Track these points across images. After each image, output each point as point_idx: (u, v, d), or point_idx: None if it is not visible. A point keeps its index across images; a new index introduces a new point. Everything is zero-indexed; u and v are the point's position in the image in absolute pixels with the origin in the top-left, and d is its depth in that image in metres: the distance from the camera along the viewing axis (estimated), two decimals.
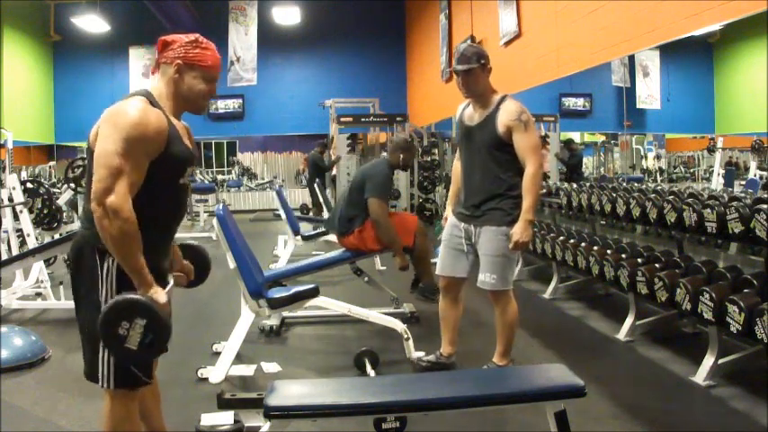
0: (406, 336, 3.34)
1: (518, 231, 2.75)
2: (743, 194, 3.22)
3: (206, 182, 12.71)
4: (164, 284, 1.85)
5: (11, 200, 5.03)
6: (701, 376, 2.95)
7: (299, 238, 5.73)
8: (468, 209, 2.92)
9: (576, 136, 7.82)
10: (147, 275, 1.67)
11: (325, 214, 8.41)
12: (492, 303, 2.97)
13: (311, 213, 9.53)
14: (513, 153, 2.80)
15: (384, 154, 4.14)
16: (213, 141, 14.31)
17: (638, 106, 6.62)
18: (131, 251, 1.63)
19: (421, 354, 3.20)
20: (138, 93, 1.77)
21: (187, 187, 1.90)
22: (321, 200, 8.63)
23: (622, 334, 3.69)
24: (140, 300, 1.62)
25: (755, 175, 5.61)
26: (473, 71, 2.80)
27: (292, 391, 1.79)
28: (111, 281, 1.70)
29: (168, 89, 1.81)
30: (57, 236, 5.50)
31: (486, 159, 2.84)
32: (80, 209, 6.10)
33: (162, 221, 1.82)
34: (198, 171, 13.69)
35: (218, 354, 3.22)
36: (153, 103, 1.74)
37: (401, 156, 4.09)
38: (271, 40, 12.84)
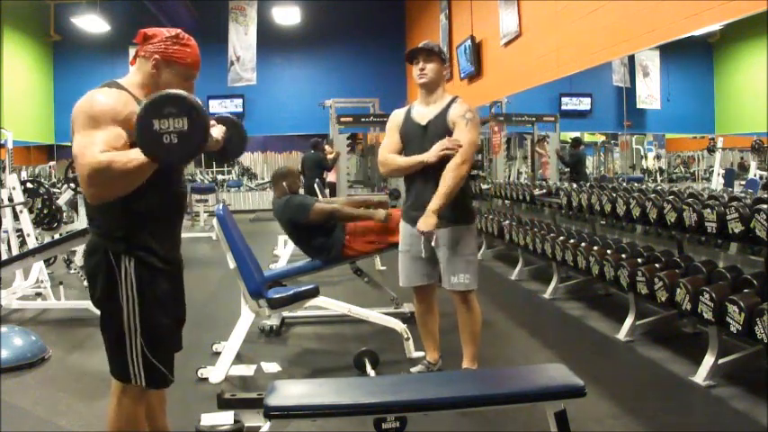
0: (406, 336, 3.34)
1: (423, 221, 2.69)
2: (743, 194, 3.22)
3: (206, 182, 12.71)
4: (178, 272, 1.85)
5: (11, 200, 5.04)
6: (701, 376, 2.95)
7: None
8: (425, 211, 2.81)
9: (575, 135, 7.81)
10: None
11: None
12: (457, 304, 2.89)
13: None
14: None
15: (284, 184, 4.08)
16: None
17: (638, 106, 6.61)
18: (130, 169, 1.54)
19: (421, 354, 3.20)
20: (102, 84, 1.73)
21: (181, 175, 1.88)
22: (321, 200, 8.62)
23: (622, 334, 3.69)
24: (187, 97, 1.53)
25: (755, 175, 5.61)
26: (434, 59, 2.84)
27: (292, 391, 1.79)
28: (130, 281, 1.70)
29: (143, 82, 1.76)
30: (57, 236, 5.50)
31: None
32: (80, 208, 6.11)
33: (161, 211, 1.79)
34: (198, 171, 13.70)
35: (218, 354, 3.22)
36: (117, 87, 1.70)
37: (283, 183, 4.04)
38: (271, 40, 12.84)
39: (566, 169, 7.37)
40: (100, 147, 1.55)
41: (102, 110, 1.61)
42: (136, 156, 1.54)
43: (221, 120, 2.01)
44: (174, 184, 1.83)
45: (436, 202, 2.70)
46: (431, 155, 2.76)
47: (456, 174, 2.71)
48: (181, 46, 1.77)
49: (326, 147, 9.91)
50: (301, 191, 9.90)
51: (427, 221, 2.69)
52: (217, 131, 1.90)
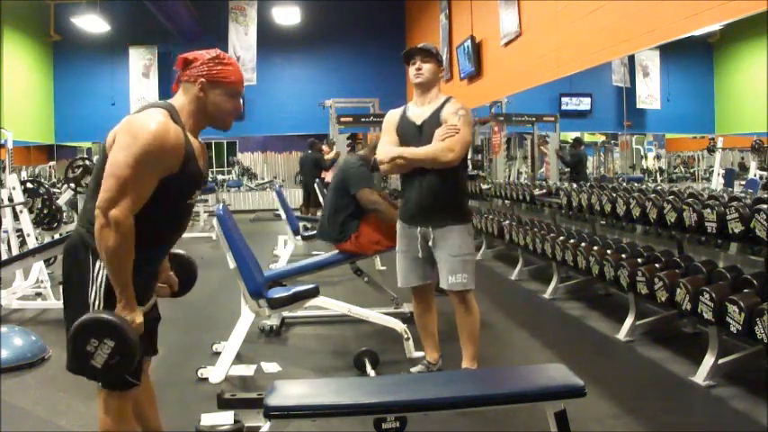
0: (406, 336, 3.34)
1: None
2: (743, 194, 3.22)
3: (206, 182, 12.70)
4: (149, 297, 1.86)
5: (11, 200, 5.04)
6: (701, 376, 2.95)
7: (299, 238, 5.72)
8: (422, 211, 2.83)
9: (575, 136, 7.82)
10: (130, 294, 1.66)
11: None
12: (455, 304, 2.89)
13: (302, 213, 9.34)
14: None
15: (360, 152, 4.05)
16: (213, 141, 14.29)
17: (638, 106, 6.62)
18: (122, 266, 1.63)
19: (421, 354, 3.20)
20: (160, 105, 1.74)
21: (192, 207, 1.90)
22: (321, 199, 8.62)
23: (622, 334, 3.69)
24: (113, 321, 1.61)
25: (755, 175, 5.61)
26: (431, 60, 2.85)
27: (292, 391, 1.79)
28: (100, 282, 1.70)
29: (191, 107, 1.77)
30: (57, 236, 5.50)
31: None
32: (80, 208, 6.10)
33: (161, 238, 1.83)
34: None
35: (218, 354, 3.22)
36: (174, 118, 1.71)
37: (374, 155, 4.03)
38: (271, 40, 12.85)
39: (566, 169, 7.38)
40: (134, 203, 1.63)
41: (156, 149, 1.63)
42: (127, 271, 1.64)
43: (175, 258, 2.10)
44: (178, 223, 1.86)
45: (412, 150, 2.77)
46: (431, 147, 2.76)
47: (439, 151, 2.72)
48: (224, 66, 1.78)
49: (324, 147, 9.91)
50: (301, 192, 9.84)
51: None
52: (165, 286, 2.01)
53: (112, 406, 1.77)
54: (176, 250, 2.12)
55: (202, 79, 1.75)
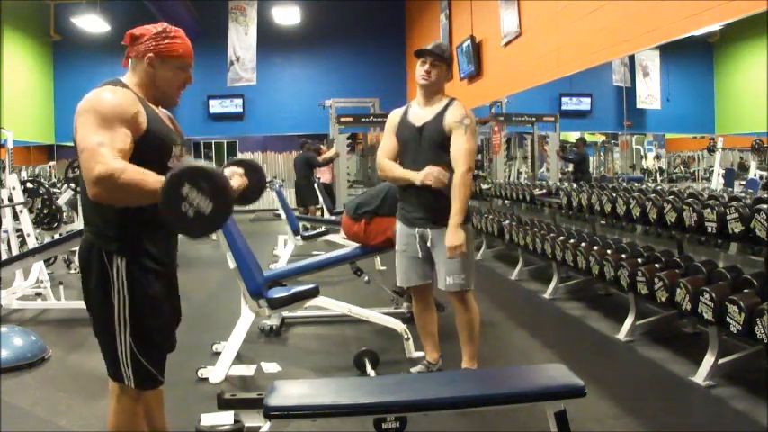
0: (406, 336, 3.34)
1: (449, 239, 2.68)
2: (743, 194, 3.22)
3: None
4: (172, 273, 1.85)
5: (11, 200, 5.03)
6: (701, 376, 2.95)
7: (299, 238, 5.73)
8: (422, 212, 2.82)
9: (576, 136, 7.82)
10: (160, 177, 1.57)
11: (326, 214, 8.41)
12: (454, 305, 2.89)
13: (300, 213, 9.30)
14: None
15: None
16: (213, 141, 14.30)
17: (638, 106, 6.62)
18: (141, 188, 1.55)
19: (421, 354, 3.20)
20: (106, 81, 1.75)
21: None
22: (321, 199, 8.62)
23: (622, 334, 3.69)
24: (205, 168, 1.53)
25: (755, 175, 5.61)
26: (441, 65, 2.80)
27: (292, 391, 1.79)
28: (121, 280, 1.69)
29: (142, 81, 1.77)
30: (57, 236, 5.50)
31: (437, 157, 2.77)
32: (80, 208, 6.10)
33: (155, 210, 1.78)
34: None
35: (218, 354, 3.22)
36: (124, 86, 1.72)
37: None
38: (271, 40, 12.84)
39: (566, 168, 7.38)
40: (113, 151, 1.56)
41: (111, 108, 1.62)
42: (152, 181, 1.55)
43: (242, 164, 2.01)
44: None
45: (456, 217, 2.68)
46: (418, 177, 2.75)
47: (462, 185, 2.71)
48: (170, 39, 1.77)
49: (322, 147, 9.91)
50: (292, 192, 9.80)
51: (455, 237, 2.68)
52: (236, 182, 1.90)
53: (125, 405, 1.76)
54: (243, 157, 2.05)
55: (150, 54, 1.75)
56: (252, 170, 2.03)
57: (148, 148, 1.69)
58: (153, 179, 1.56)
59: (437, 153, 2.78)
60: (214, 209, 1.52)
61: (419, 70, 2.81)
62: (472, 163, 2.78)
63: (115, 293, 1.69)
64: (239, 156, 14.56)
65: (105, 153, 1.54)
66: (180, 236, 1.91)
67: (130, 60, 1.79)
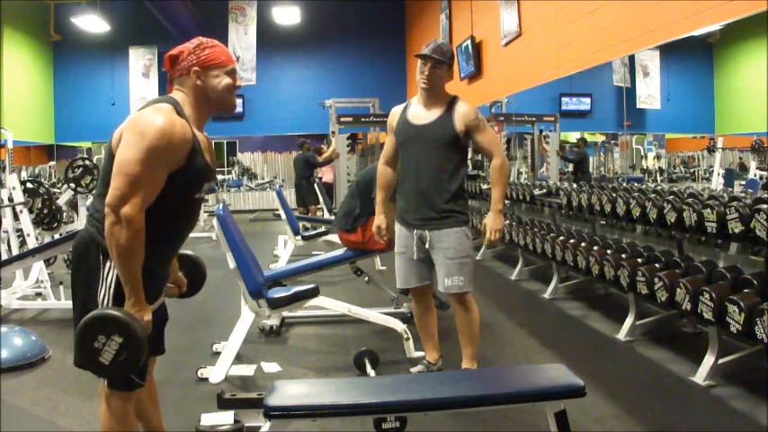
0: (406, 336, 3.34)
1: (491, 223, 2.79)
2: (743, 194, 3.22)
3: None
4: (158, 295, 1.86)
5: (11, 200, 5.04)
6: (701, 376, 2.95)
7: (299, 238, 5.72)
8: (421, 213, 2.82)
9: (576, 136, 7.82)
10: (139, 291, 1.66)
11: (326, 214, 8.41)
12: (454, 306, 2.90)
13: (300, 213, 9.31)
14: (463, 153, 2.88)
15: None
16: (213, 141, 14.23)
17: (638, 106, 6.60)
18: (133, 263, 1.63)
19: (421, 354, 3.20)
20: (165, 100, 1.75)
21: (201, 201, 1.90)
22: (321, 199, 8.63)
23: (622, 334, 3.69)
24: (120, 317, 1.61)
25: (755, 175, 5.61)
26: (443, 66, 2.78)
27: (292, 391, 1.79)
28: (110, 282, 1.70)
29: (193, 98, 1.79)
30: (57, 236, 5.50)
31: (441, 158, 2.78)
32: (80, 208, 6.10)
33: (172, 234, 1.83)
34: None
35: (218, 354, 3.23)
36: (179, 112, 1.72)
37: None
38: (271, 40, 12.84)
39: (566, 168, 7.37)
40: (145, 203, 1.63)
41: (164, 146, 1.63)
42: (132, 270, 1.64)
43: (183, 259, 2.12)
44: (187, 219, 1.87)
45: (498, 204, 2.81)
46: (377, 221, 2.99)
47: (501, 175, 2.83)
48: (210, 49, 1.80)
49: (323, 147, 9.91)
50: (292, 192, 9.80)
51: (497, 221, 2.80)
52: (174, 286, 2.03)
53: (115, 406, 1.77)
54: (184, 251, 2.12)
55: (196, 68, 1.77)
56: (192, 266, 2.17)
57: (182, 181, 1.72)
58: (138, 276, 1.65)
59: (446, 152, 2.79)
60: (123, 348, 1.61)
61: (420, 71, 2.79)
62: (502, 150, 2.91)
63: (101, 293, 1.70)
64: (238, 155, 14.58)
65: (139, 198, 1.61)
66: (188, 233, 1.92)
67: (175, 81, 1.81)
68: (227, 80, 1.81)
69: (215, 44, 1.83)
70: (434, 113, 2.81)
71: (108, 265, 1.70)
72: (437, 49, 2.77)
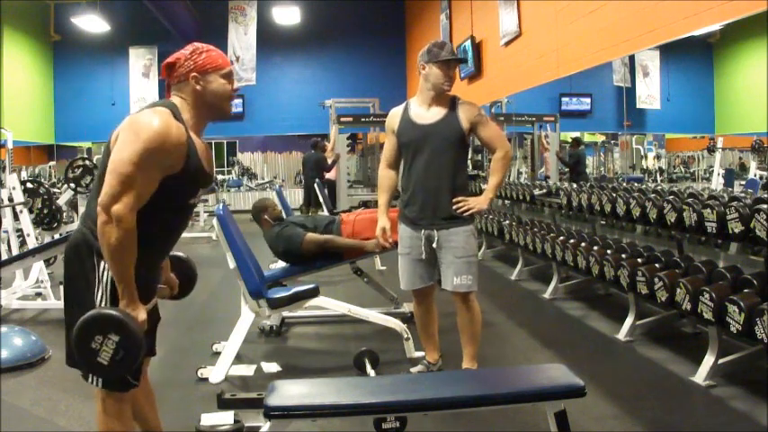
0: (405, 336, 3.34)
1: (477, 201, 2.84)
2: (743, 194, 3.22)
3: None
4: (151, 297, 1.86)
5: (11, 200, 5.04)
6: (701, 376, 2.95)
7: None
8: (427, 213, 2.82)
9: (575, 135, 7.82)
10: (133, 290, 1.67)
11: (326, 213, 8.41)
12: (457, 305, 2.90)
13: (302, 213, 9.37)
14: (466, 151, 2.96)
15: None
16: (213, 141, 14.29)
17: (638, 106, 6.61)
18: (125, 263, 1.64)
19: (421, 354, 3.20)
20: (163, 104, 1.75)
21: (194, 207, 1.90)
22: (322, 199, 8.62)
23: (622, 334, 3.69)
24: (116, 316, 1.61)
25: (755, 175, 5.61)
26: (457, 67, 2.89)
27: (292, 391, 1.79)
28: (106, 282, 1.70)
29: (191, 103, 1.78)
30: (57, 236, 5.50)
31: (447, 157, 2.80)
32: (80, 208, 6.10)
33: (162, 238, 1.83)
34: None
35: (218, 354, 3.22)
36: (176, 116, 1.72)
37: None
38: (271, 40, 12.84)
39: (565, 168, 7.38)
40: (137, 205, 1.63)
41: (159, 148, 1.63)
42: (129, 268, 1.64)
43: (175, 260, 2.12)
44: (179, 224, 1.88)
45: (491, 191, 2.91)
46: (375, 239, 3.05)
47: (502, 165, 2.88)
48: (207, 53, 1.80)
49: (325, 143, 9.93)
50: (301, 192, 9.83)
51: (482, 202, 2.85)
52: (166, 287, 2.03)
53: (111, 407, 1.77)
54: (176, 252, 2.12)
55: (194, 73, 1.77)
56: (184, 267, 2.15)
57: (177, 185, 1.72)
58: (131, 275, 1.65)
59: (455, 150, 2.83)
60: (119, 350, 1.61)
61: (442, 75, 2.80)
62: (506, 142, 2.96)
63: (98, 295, 1.70)
64: (238, 155, 14.59)
65: (131, 197, 1.61)
66: (179, 237, 1.93)
67: (173, 88, 1.81)
68: (226, 85, 1.81)
69: (210, 48, 1.83)
70: (438, 113, 2.83)
71: (103, 266, 1.70)
72: (460, 56, 2.86)
